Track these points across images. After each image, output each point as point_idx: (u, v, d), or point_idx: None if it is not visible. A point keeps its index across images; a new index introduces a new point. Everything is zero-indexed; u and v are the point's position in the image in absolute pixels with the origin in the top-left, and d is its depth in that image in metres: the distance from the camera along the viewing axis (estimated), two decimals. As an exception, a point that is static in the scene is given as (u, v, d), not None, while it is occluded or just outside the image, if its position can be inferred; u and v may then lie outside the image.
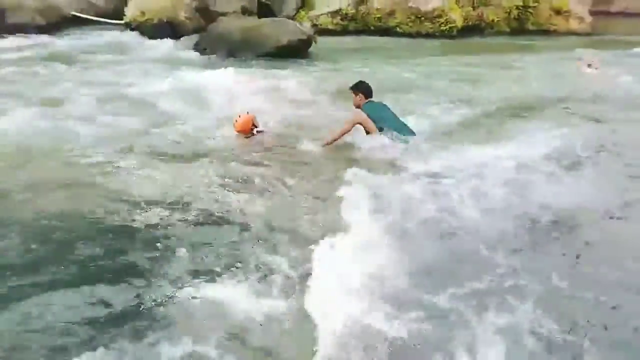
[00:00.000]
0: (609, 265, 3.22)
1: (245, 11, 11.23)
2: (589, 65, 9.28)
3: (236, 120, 5.04)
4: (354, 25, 12.65)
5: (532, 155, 4.71)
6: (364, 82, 5.01)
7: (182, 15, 10.90)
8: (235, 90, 6.73)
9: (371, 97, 4.93)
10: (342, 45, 11.11)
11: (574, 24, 14.20)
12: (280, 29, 9.87)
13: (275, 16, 11.52)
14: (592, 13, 15.61)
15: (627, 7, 20.34)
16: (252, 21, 10.72)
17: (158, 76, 7.40)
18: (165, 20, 10.80)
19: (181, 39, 10.50)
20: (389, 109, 4.96)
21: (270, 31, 9.82)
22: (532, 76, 8.51)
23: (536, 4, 13.92)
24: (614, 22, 17.14)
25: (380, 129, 4.69)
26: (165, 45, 10.12)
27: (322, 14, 12.54)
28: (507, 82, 8.05)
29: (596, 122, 6.15)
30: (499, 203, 3.81)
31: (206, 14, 11.07)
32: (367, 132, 4.77)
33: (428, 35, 12.44)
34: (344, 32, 12.43)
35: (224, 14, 10.90)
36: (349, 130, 4.77)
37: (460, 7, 13.40)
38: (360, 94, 4.91)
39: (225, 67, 8.06)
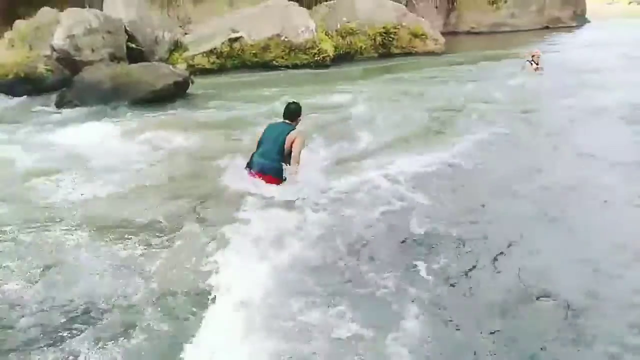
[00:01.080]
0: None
1: (113, 58, 10.76)
2: (532, 63, 11.05)
3: None
4: (231, 62, 12.74)
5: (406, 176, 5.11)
6: (288, 103, 5.02)
7: (41, 67, 10.12)
8: (109, 142, 6.37)
9: (284, 117, 4.93)
10: (220, 83, 11.12)
11: (431, 45, 15.75)
12: (154, 73, 9.59)
13: (148, 61, 11.20)
14: (443, 34, 17.55)
15: (472, 27, 23.23)
16: (123, 68, 10.29)
17: (15, 139, 6.72)
18: (22, 75, 9.94)
19: (45, 94, 9.71)
20: (275, 130, 4.84)
21: (143, 76, 9.50)
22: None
23: (396, 30, 15.21)
24: (463, 40, 19.48)
25: None
26: (24, 102, 9.28)
27: (196, 54, 12.46)
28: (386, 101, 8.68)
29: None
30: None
31: (70, 65, 10.39)
32: None
33: (304, 66, 12.94)
34: (221, 70, 12.46)
35: (90, 63, 10.33)
36: None
37: (330, 37, 14.20)
38: None
39: (98, 120, 7.65)
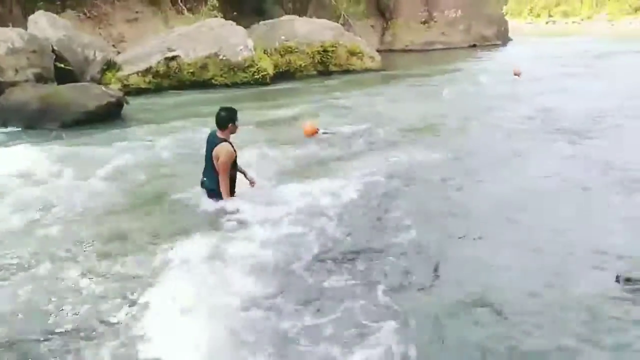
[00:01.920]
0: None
1: (40, 79, 10.21)
2: (516, 73, 13.47)
3: (304, 128, 7.42)
4: (168, 81, 12.48)
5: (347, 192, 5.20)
6: (218, 109, 4.53)
7: (-41, 90, 9.42)
8: (39, 167, 5.99)
9: (216, 126, 4.49)
10: (157, 103, 10.84)
11: (368, 63, 16.27)
12: (85, 94, 9.20)
13: (78, 81, 10.73)
14: (380, 51, 18.22)
15: (406, 45, 24.27)
16: (51, 88, 9.80)
17: None
18: (-63, 98, 9.20)
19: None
20: (208, 143, 4.51)
21: (73, 97, 9.08)
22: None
23: (334, 48, 15.60)
24: (398, 57, 20.28)
25: None
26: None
27: (131, 74, 12.10)
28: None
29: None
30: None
31: (-8, 86, 9.76)
32: None
33: (244, 84, 12.92)
34: (158, 89, 12.16)
35: (14, 84, 9.74)
36: None
37: (269, 56, 14.30)
38: None
39: (26, 143, 7.23)
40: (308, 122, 7.67)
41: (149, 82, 12.24)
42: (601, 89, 11.84)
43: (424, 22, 25.67)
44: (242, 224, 4.30)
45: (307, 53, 15.14)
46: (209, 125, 8.03)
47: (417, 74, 15.34)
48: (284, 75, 14.34)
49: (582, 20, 58.47)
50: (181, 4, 17.63)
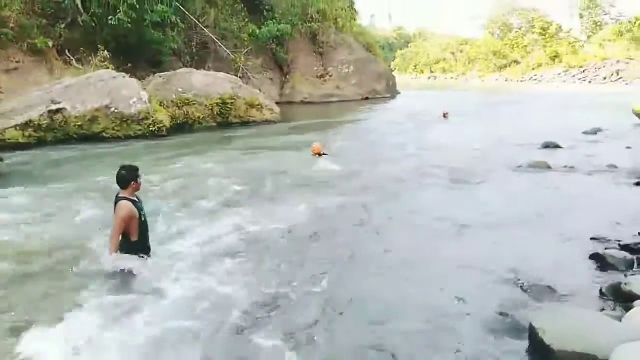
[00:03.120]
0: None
1: None
2: (444, 115, 16.11)
3: (313, 147, 9.31)
4: (52, 135, 11.56)
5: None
6: (119, 168, 4.25)
7: None
8: None
9: (119, 186, 4.23)
10: (39, 158, 9.93)
11: (267, 114, 16.58)
12: (-51, 151, 8.21)
13: (-59, 136, 9.56)
14: (279, 103, 18.76)
15: (304, 98, 25.30)
16: None
17: None
18: None
19: None
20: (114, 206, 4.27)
21: None
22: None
23: (233, 100, 15.72)
24: (297, 109, 21.01)
25: None
26: None
27: (8, 127, 11.05)
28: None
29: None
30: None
31: None
32: None
33: (138, 137, 12.40)
34: (40, 144, 11.20)
35: None
36: None
37: (165, 107, 13.98)
38: None
39: None
40: (317, 144, 9.43)
41: (29, 136, 11.24)
42: (480, 132, 13.41)
43: (320, 76, 27.10)
44: (126, 282, 4.07)
45: (206, 105, 15.07)
46: (98, 179, 7.63)
47: (312, 124, 16.01)
48: (181, 127, 14.08)
49: (458, 76, 65.90)
50: (69, 55, 16.76)
